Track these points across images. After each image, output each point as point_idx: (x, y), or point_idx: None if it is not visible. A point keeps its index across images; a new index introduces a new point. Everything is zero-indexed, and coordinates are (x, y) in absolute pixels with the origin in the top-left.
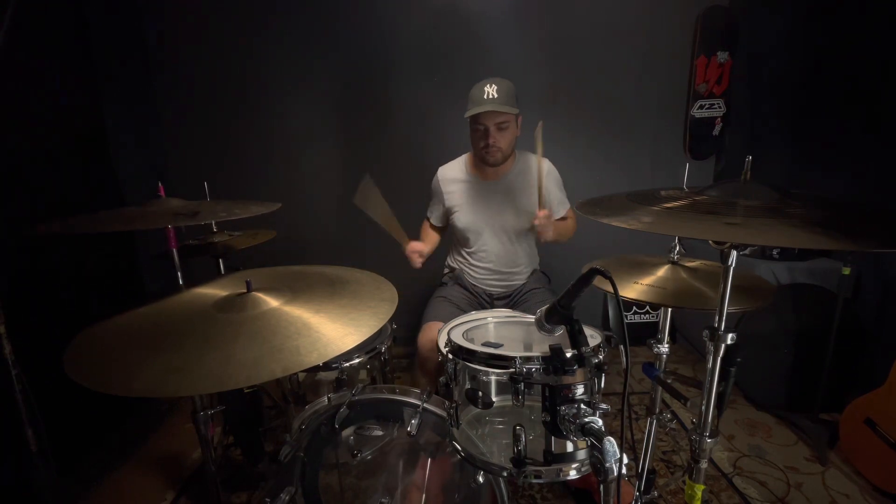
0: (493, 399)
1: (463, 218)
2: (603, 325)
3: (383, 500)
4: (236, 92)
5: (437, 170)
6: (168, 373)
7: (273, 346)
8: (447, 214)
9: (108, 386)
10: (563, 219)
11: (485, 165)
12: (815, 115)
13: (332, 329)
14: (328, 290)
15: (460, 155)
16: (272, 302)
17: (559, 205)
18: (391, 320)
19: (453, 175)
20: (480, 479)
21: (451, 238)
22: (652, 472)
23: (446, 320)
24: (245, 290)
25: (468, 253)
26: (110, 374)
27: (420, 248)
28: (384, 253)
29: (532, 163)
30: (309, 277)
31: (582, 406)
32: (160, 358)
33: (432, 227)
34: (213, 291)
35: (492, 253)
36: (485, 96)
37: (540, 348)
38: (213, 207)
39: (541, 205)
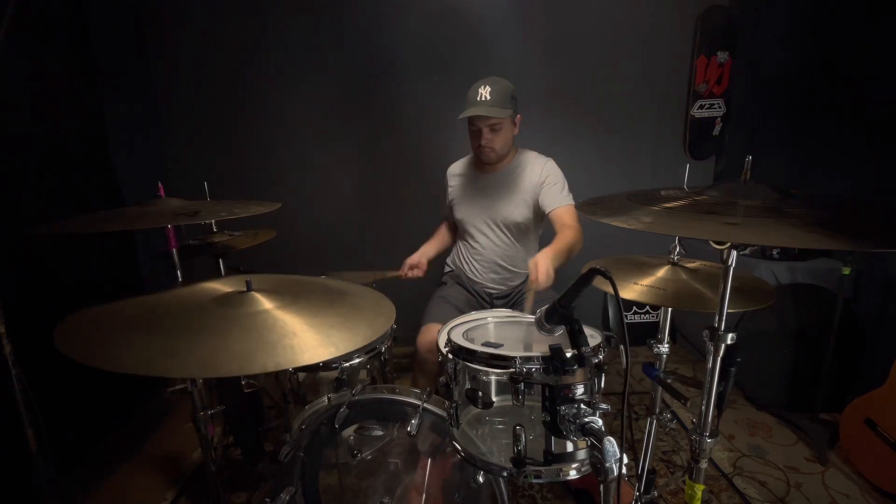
0: (493, 399)
1: (460, 209)
2: (603, 325)
3: (383, 500)
4: (236, 92)
5: (438, 169)
6: (160, 354)
7: (267, 341)
8: (450, 208)
9: (97, 359)
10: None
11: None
12: (815, 115)
13: (316, 339)
14: (326, 301)
15: (461, 154)
16: (268, 304)
17: (557, 199)
18: None
19: (458, 170)
20: (480, 479)
21: (458, 235)
22: (652, 472)
23: (445, 322)
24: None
25: (468, 247)
26: (100, 348)
27: (413, 261)
28: (385, 252)
29: (531, 160)
30: (309, 286)
31: (582, 406)
32: (154, 340)
33: (447, 225)
34: (214, 287)
35: (489, 247)
36: (478, 98)
37: (540, 348)
38: (213, 207)
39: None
